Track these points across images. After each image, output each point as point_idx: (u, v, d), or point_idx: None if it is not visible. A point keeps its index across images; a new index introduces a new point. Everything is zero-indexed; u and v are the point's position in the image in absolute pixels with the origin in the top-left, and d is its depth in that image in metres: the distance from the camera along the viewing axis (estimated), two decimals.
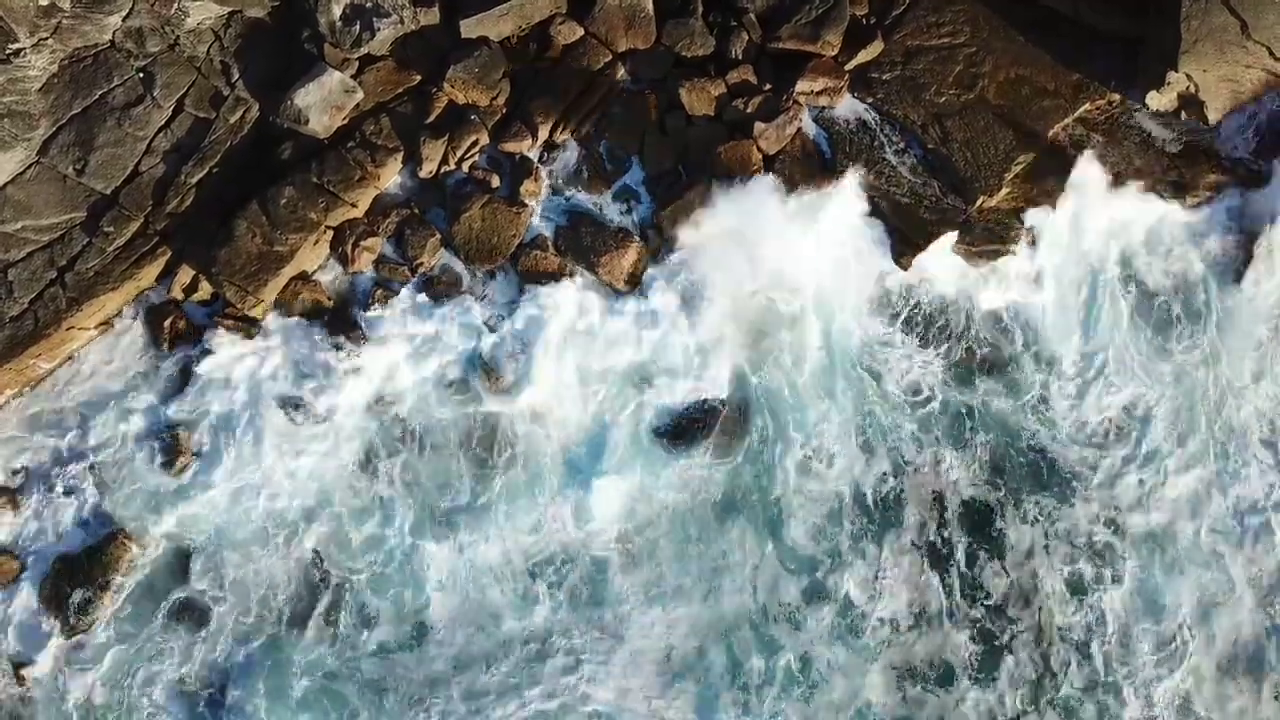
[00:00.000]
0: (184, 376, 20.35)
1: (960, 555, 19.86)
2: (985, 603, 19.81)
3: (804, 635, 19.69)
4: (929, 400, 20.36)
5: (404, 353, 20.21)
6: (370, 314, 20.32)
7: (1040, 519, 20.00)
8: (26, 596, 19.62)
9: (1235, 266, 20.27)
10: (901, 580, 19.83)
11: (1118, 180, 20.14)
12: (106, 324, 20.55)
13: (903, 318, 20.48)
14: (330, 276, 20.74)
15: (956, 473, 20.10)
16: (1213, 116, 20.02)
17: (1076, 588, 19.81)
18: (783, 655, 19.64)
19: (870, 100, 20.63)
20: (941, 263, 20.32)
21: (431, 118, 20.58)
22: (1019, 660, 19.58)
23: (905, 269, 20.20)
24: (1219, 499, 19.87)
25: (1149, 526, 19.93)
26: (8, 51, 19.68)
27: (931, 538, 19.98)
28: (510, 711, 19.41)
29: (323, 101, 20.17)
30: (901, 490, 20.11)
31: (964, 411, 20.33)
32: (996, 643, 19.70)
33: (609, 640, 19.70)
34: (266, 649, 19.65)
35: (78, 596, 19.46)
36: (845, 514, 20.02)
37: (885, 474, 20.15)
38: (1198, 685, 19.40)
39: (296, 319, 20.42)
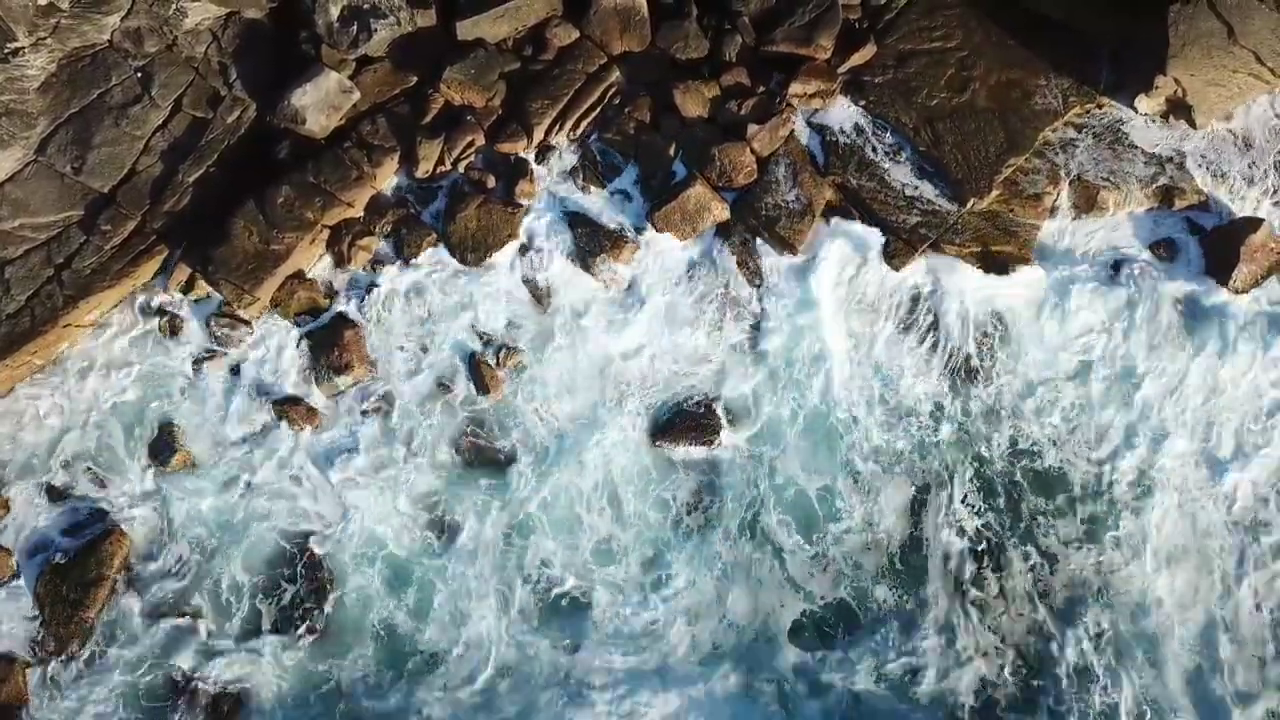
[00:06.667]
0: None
1: None
2: None
3: None
4: None
5: None
6: None
7: None
8: (22, 593, 19.61)
9: None
10: None
11: None
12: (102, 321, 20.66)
13: None
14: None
15: None
16: (1200, 121, 20.29)
17: None
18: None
19: (862, 103, 20.85)
20: None
21: (428, 118, 20.74)
22: None
23: (898, 270, 20.37)
24: None
25: None
26: (6, 51, 19.82)
27: None
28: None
29: (320, 102, 20.30)
30: None
31: None
32: None
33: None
34: None
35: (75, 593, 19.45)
36: None
37: None
38: None
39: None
